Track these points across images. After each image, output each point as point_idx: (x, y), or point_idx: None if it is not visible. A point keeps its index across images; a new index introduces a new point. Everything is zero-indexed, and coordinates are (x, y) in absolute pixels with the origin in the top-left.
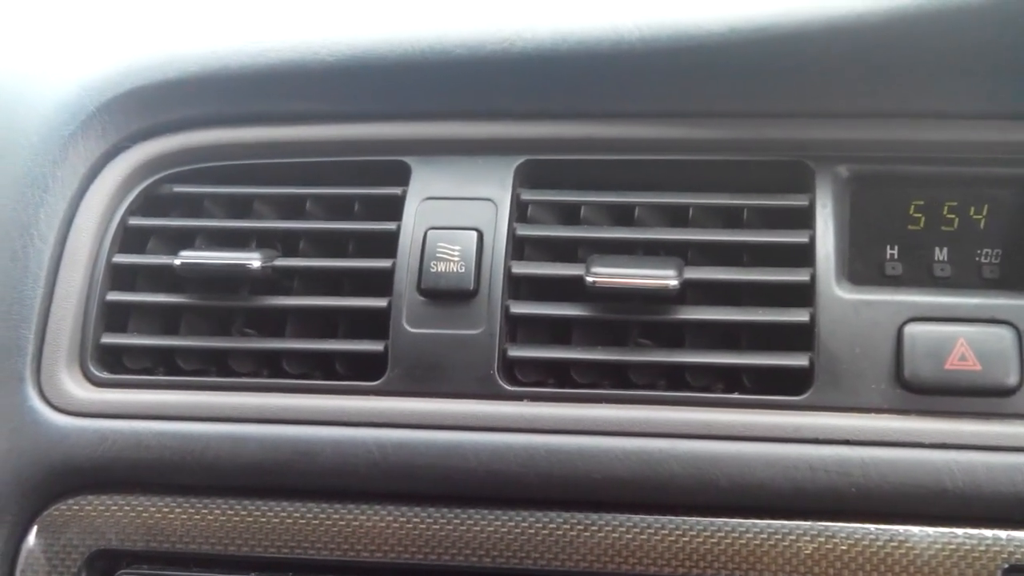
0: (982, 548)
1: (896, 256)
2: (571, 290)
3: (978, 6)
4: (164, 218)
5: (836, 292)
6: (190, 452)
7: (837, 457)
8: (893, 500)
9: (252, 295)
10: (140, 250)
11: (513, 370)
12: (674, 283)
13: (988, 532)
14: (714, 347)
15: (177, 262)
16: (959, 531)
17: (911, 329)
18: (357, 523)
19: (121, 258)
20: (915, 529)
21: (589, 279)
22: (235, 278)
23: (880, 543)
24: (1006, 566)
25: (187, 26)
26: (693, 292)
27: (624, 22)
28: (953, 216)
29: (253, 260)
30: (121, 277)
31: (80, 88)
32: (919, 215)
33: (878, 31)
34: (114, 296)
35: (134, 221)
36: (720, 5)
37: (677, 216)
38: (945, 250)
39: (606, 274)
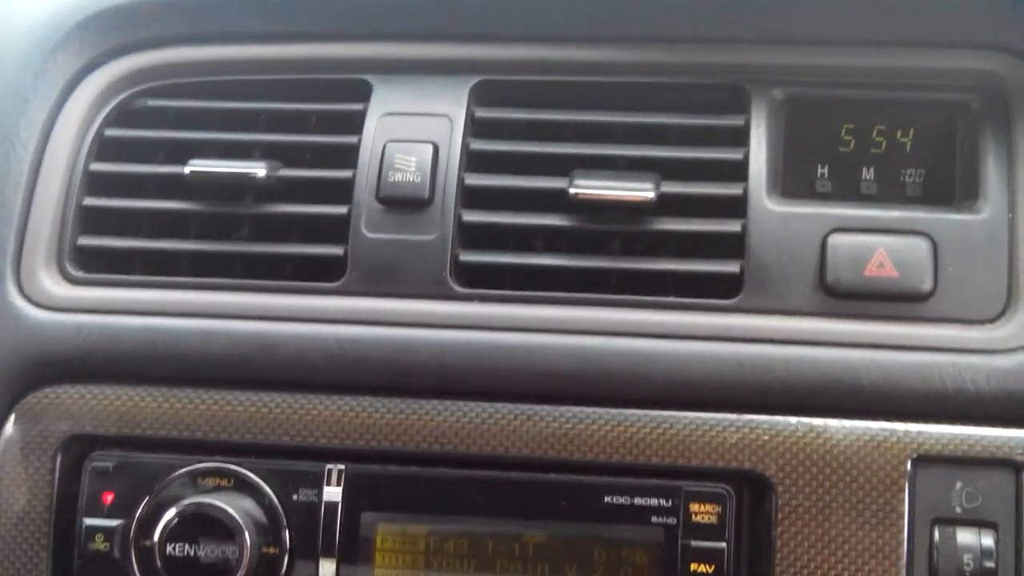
0: (894, 439)
1: (826, 175)
2: (532, 201)
3: None
4: (139, 129)
5: (767, 205)
6: (161, 345)
7: (763, 355)
8: (813, 394)
9: (256, 202)
10: (115, 159)
11: (472, 275)
12: (651, 195)
13: (900, 425)
14: (658, 254)
15: (187, 170)
16: (873, 424)
17: (834, 239)
18: (316, 411)
19: (97, 166)
20: (833, 422)
21: (572, 191)
22: (240, 186)
23: (800, 434)
24: (915, 456)
25: None
26: (656, 204)
27: None
28: (881, 139)
29: (259, 169)
30: (97, 184)
31: (60, 6)
32: (849, 137)
33: None
34: (90, 201)
35: (110, 132)
36: None
37: (625, 134)
38: (872, 170)
39: (587, 186)
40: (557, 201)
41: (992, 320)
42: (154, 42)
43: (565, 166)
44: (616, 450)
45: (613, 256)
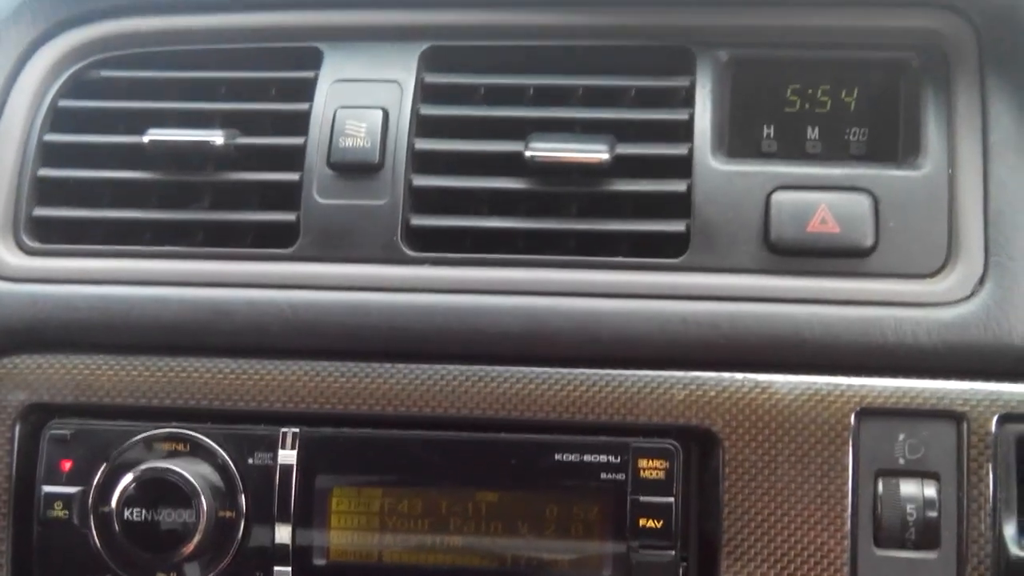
0: (838, 393)
1: (772, 135)
2: (486, 166)
3: None
4: (93, 100)
5: (712, 164)
6: (116, 313)
7: (708, 311)
8: (758, 350)
9: (218, 170)
10: (70, 130)
11: (424, 239)
12: (605, 156)
13: (843, 379)
14: (615, 216)
15: (146, 139)
16: (818, 378)
17: (778, 196)
18: (270, 376)
19: (52, 137)
20: (778, 377)
21: (528, 153)
22: (198, 155)
23: (746, 389)
24: (858, 409)
25: None
26: (611, 166)
27: None
28: (826, 99)
29: (216, 137)
30: (52, 155)
31: None
32: (795, 97)
33: None
34: (45, 172)
35: (64, 103)
36: None
37: (575, 98)
38: (817, 129)
39: (544, 149)
40: (511, 165)
41: (933, 274)
42: (105, 13)
43: (512, 131)
44: (566, 409)
45: (565, 218)
